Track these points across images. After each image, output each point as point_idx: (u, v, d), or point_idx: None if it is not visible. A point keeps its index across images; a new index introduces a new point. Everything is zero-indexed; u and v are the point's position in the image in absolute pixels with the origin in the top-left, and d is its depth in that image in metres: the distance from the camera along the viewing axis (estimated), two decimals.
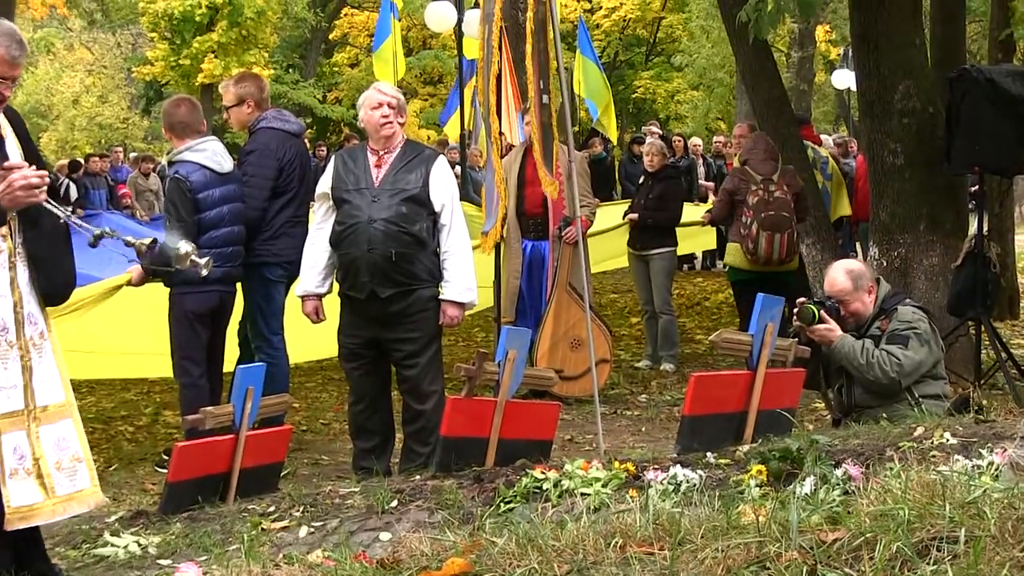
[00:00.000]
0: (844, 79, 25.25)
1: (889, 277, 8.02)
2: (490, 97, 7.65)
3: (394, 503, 4.56)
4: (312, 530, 4.48)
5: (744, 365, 5.24)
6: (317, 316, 6.39)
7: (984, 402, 5.25)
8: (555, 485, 4.34)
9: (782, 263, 9.13)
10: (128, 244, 4.37)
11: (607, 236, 10.98)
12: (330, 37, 39.40)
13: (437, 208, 6.16)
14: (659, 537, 2.92)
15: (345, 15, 38.57)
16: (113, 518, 5.06)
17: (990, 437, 4.18)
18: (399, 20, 19.06)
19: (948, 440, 4.20)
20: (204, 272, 4.63)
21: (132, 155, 24.32)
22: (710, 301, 14.39)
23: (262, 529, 4.54)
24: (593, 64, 18.87)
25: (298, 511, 4.70)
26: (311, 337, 7.30)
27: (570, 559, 2.85)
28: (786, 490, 3.60)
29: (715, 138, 20.29)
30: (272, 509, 4.79)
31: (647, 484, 4.13)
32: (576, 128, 19.52)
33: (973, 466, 3.47)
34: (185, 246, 4.54)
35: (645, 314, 10.57)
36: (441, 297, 6.18)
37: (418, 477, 5.16)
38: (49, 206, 4.12)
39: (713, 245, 14.76)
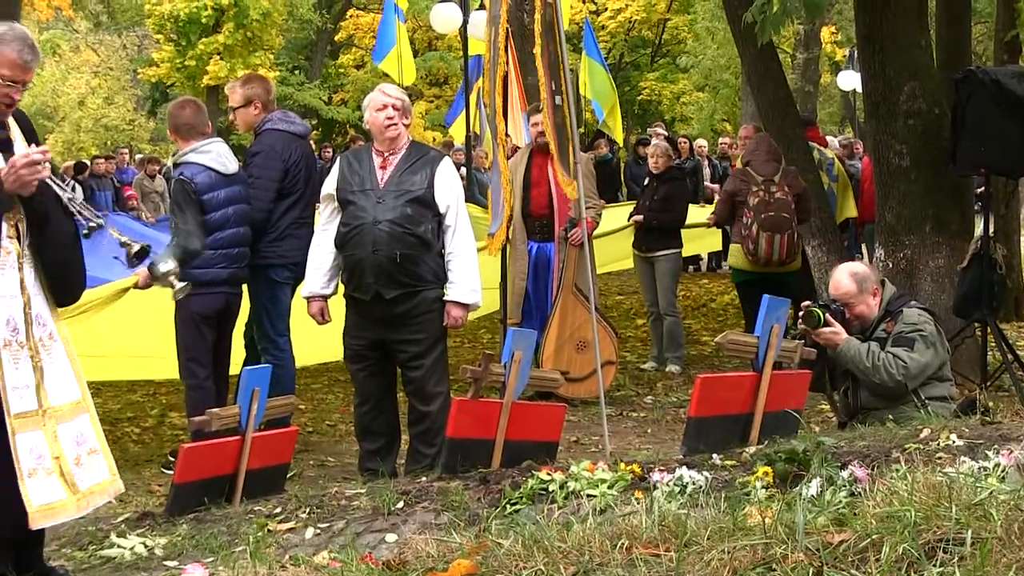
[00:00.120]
0: (850, 80, 25.25)
1: (895, 279, 8.01)
2: (496, 99, 7.65)
3: (400, 504, 4.56)
4: (318, 531, 4.48)
5: (750, 367, 5.24)
6: (322, 317, 6.40)
7: (990, 404, 5.26)
8: (561, 486, 4.34)
9: (783, 264, 9.14)
10: (123, 245, 4.39)
11: (613, 237, 10.98)
12: (336, 39, 39.45)
13: (442, 209, 6.17)
14: (665, 539, 2.92)
15: (351, 16, 38.61)
16: (119, 519, 5.07)
17: (996, 439, 4.18)
18: (404, 23, 19.02)
19: (954, 442, 4.20)
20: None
21: (138, 157, 24.34)
22: (716, 303, 14.38)
23: (268, 530, 4.54)
24: (599, 66, 18.85)
25: (304, 512, 4.70)
26: (317, 339, 7.31)
27: (576, 560, 2.85)
28: (792, 492, 3.60)
29: (720, 139, 20.30)
30: (278, 510, 4.80)
31: (653, 485, 4.14)
32: (582, 129, 19.51)
33: (979, 468, 3.47)
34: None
35: (651, 316, 10.56)
36: (445, 298, 6.18)
37: (424, 478, 5.16)
38: (52, 184, 4.12)
39: (719, 246, 14.74)
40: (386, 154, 6.23)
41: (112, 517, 5.10)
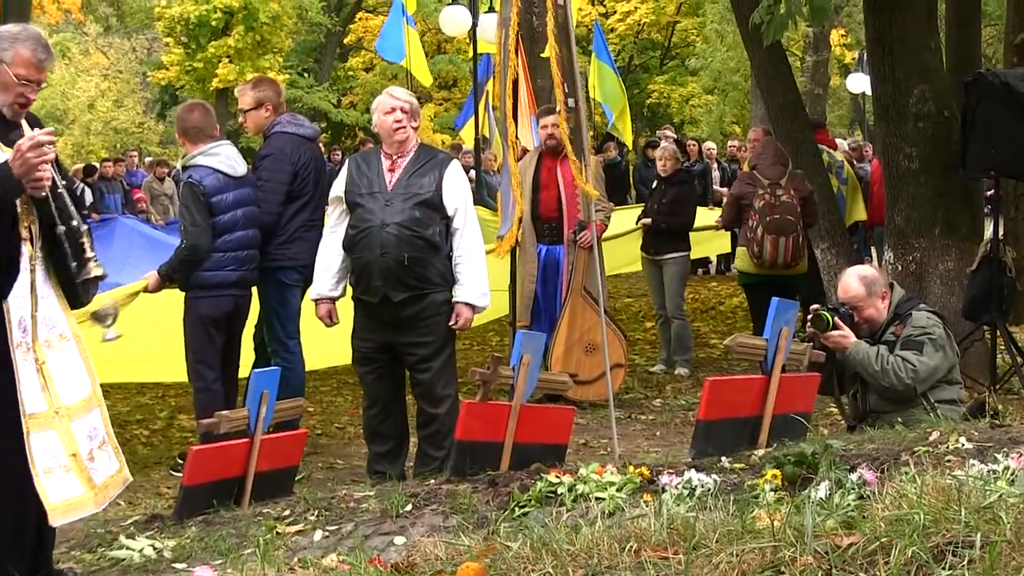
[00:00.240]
0: (859, 83, 25.22)
1: (904, 282, 8.00)
2: (507, 101, 7.66)
3: (408, 507, 4.56)
4: (327, 534, 4.48)
5: (759, 369, 5.23)
6: (330, 319, 6.40)
7: (1000, 407, 5.23)
8: (570, 489, 4.33)
9: (788, 267, 9.14)
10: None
11: (622, 240, 10.98)
12: (345, 41, 39.47)
13: (450, 212, 6.17)
14: (673, 542, 2.92)
15: (360, 19, 38.64)
16: (128, 521, 5.07)
17: (1006, 442, 4.17)
18: (414, 27, 19.01)
19: (963, 445, 4.19)
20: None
21: (147, 159, 24.44)
22: (724, 305, 14.37)
23: (277, 533, 4.54)
24: (609, 68, 18.83)
25: (313, 515, 4.70)
26: (327, 342, 7.30)
27: (584, 563, 2.85)
28: (801, 495, 3.59)
29: (730, 142, 20.28)
30: (287, 513, 4.80)
31: (662, 488, 4.13)
32: (591, 132, 19.49)
33: (989, 471, 3.46)
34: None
35: (660, 318, 10.56)
36: (454, 300, 6.19)
37: (432, 481, 5.16)
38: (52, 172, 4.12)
39: (727, 249, 14.73)
40: (395, 157, 6.24)
41: (121, 519, 5.11)
